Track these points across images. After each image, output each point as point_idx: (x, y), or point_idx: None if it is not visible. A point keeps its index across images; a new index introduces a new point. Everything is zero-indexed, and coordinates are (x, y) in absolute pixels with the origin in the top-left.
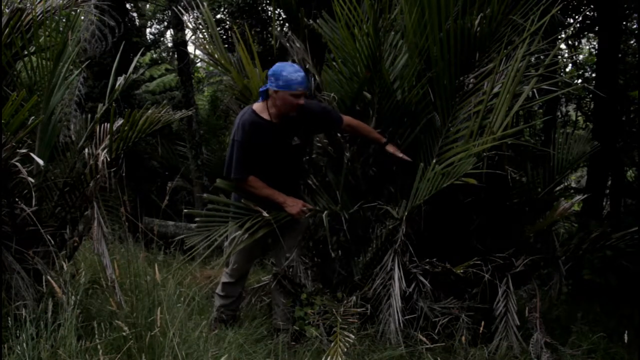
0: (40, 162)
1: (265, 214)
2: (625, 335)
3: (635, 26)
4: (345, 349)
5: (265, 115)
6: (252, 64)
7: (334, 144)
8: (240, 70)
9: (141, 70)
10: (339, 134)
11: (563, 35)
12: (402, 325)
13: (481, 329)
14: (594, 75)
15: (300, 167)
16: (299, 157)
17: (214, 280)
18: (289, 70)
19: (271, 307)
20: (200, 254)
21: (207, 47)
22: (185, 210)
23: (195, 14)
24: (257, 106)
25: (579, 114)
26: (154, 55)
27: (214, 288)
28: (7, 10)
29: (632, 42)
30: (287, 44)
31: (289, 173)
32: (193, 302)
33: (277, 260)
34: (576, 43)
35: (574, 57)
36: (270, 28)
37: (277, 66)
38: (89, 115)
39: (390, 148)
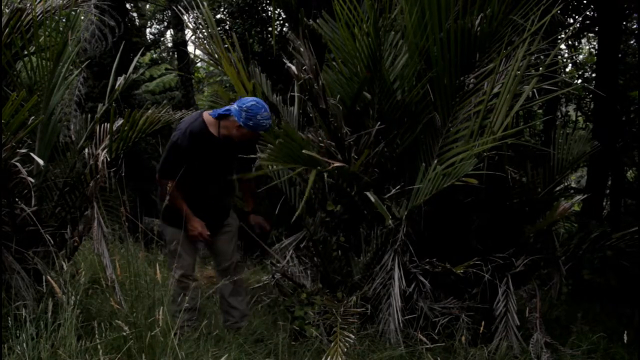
0: (40, 162)
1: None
2: (625, 335)
3: (635, 26)
4: (345, 349)
5: (214, 130)
6: (240, 82)
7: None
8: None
9: (141, 70)
10: (331, 141)
11: (563, 35)
12: (402, 325)
13: (481, 329)
14: (594, 75)
15: (230, 186)
16: (230, 175)
17: (215, 280)
18: (263, 115)
19: (223, 310)
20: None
21: (207, 47)
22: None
23: (195, 14)
24: (208, 119)
25: (579, 114)
26: (154, 55)
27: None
28: (7, 10)
29: (632, 42)
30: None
31: (219, 190)
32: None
33: (216, 261)
34: (576, 43)
35: (574, 57)
36: (270, 28)
37: (253, 105)
38: (89, 115)
39: (252, 219)
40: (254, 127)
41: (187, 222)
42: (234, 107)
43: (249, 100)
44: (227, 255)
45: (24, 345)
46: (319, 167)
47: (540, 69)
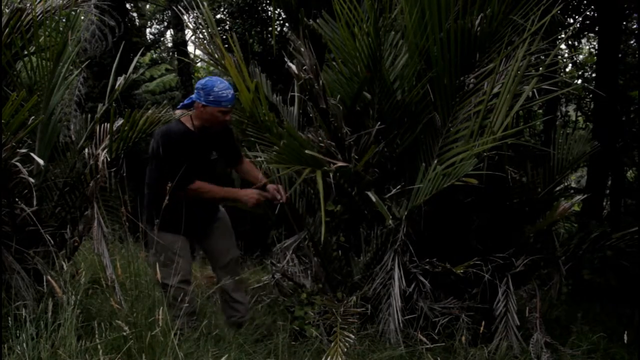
0: (41, 162)
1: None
2: (625, 335)
3: (635, 26)
4: (345, 349)
5: (189, 125)
6: (242, 82)
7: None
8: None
9: (141, 70)
10: (331, 141)
11: (563, 35)
12: (402, 325)
13: (481, 329)
14: (594, 75)
15: (216, 182)
16: (215, 171)
17: (215, 280)
18: (220, 86)
19: (226, 305)
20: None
21: (207, 47)
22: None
23: (195, 14)
24: (184, 118)
25: (579, 114)
26: (154, 56)
27: (214, 288)
28: (7, 10)
29: (632, 42)
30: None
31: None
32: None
33: (213, 260)
34: (576, 43)
35: (574, 57)
36: (270, 28)
37: (208, 80)
38: (89, 115)
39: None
40: (216, 101)
41: (242, 197)
42: (194, 94)
43: (204, 80)
44: (224, 251)
45: (24, 345)
46: (324, 167)
47: (540, 69)
